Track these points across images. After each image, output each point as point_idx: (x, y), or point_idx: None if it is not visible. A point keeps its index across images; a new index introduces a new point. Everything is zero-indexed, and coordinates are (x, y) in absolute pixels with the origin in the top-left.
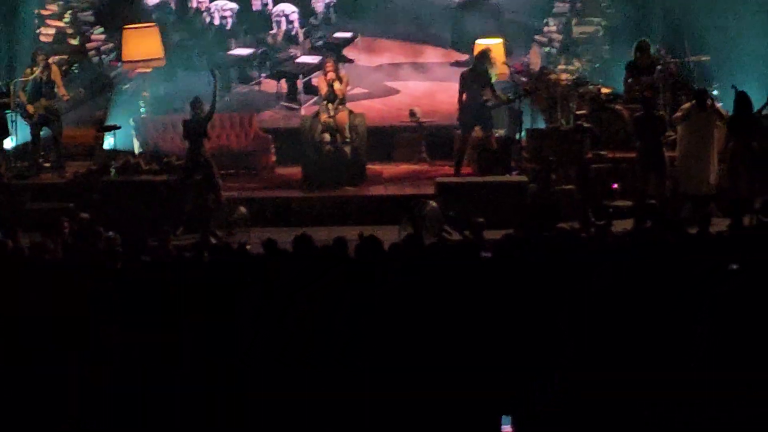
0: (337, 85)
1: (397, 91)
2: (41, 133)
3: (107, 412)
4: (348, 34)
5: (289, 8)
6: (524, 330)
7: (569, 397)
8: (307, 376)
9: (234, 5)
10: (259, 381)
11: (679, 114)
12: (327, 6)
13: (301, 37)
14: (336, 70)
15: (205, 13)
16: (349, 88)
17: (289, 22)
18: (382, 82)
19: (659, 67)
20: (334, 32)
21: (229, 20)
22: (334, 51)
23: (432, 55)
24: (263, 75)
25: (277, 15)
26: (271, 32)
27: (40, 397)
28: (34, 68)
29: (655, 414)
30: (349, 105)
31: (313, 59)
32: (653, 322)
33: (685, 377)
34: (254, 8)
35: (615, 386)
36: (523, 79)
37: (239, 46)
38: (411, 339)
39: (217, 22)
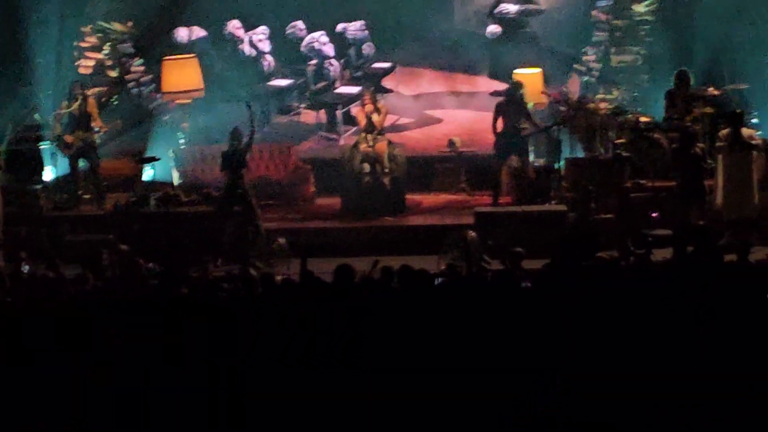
0: (375, 117)
1: (435, 121)
2: (80, 165)
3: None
4: (387, 64)
5: (324, 38)
6: (560, 359)
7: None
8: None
9: (267, 31)
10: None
11: (722, 144)
12: (363, 36)
13: (338, 68)
14: (374, 102)
15: (241, 44)
16: (388, 117)
17: (322, 51)
18: (420, 112)
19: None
20: (372, 62)
21: (266, 50)
22: (373, 81)
23: (470, 84)
24: (302, 105)
25: (310, 43)
26: (310, 62)
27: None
28: (72, 101)
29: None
30: (388, 135)
31: (352, 89)
32: (691, 348)
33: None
34: (288, 35)
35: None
36: (562, 108)
37: (278, 77)
38: (448, 363)
39: (254, 52)
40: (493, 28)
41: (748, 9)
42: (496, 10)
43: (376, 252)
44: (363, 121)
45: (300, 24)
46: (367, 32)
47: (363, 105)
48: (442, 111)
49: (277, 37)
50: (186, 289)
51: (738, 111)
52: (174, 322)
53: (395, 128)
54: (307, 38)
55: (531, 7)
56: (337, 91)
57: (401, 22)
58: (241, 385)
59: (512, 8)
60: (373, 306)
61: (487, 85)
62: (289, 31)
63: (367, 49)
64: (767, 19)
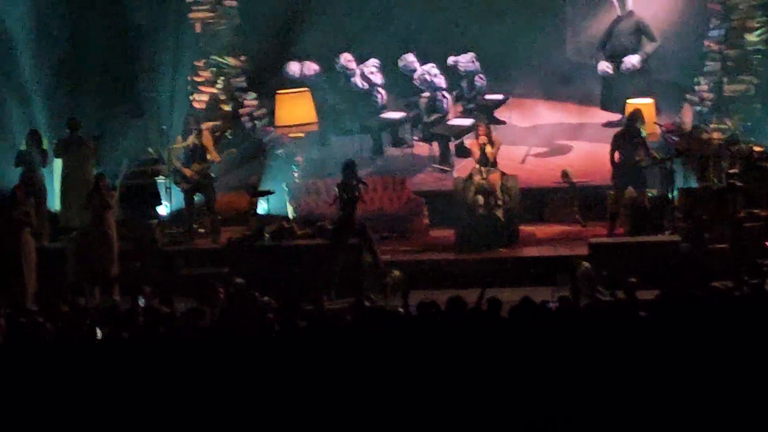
0: (488, 149)
1: (549, 152)
2: (195, 199)
3: None
4: (499, 96)
5: (432, 69)
6: (680, 386)
7: None
8: None
9: (379, 63)
10: None
11: None
12: (474, 68)
13: (451, 100)
14: (488, 134)
15: (354, 77)
16: (503, 149)
17: (434, 83)
18: (534, 143)
19: None
20: (484, 94)
21: (378, 82)
22: (486, 113)
23: (583, 115)
24: (415, 138)
25: (422, 75)
26: (423, 95)
27: None
28: (187, 135)
29: None
30: (501, 166)
31: (464, 121)
32: None
33: None
34: (400, 67)
35: None
36: (675, 138)
37: (390, 110)
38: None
39: (366, 85)
40: (605, 67)
41: None
42: (623, 67)
43: (491, 284)
44: (477, 153)
45: (411, 56)
46: (477, 64)
47: (477, 136)
48: (554, 142)
49: (388, 69)
50: (303, 323)
51: None
52: (291, 355)
53: (509, 159)
54: (419, 70)
55: (650, 49)
56: (450, 123)
57: (512, 54)
58: (356, 413)
59: (635, 60)
60: (483, 337)
61: (599, 116)
62: (401, 63)
63: (479, 80)
64: None
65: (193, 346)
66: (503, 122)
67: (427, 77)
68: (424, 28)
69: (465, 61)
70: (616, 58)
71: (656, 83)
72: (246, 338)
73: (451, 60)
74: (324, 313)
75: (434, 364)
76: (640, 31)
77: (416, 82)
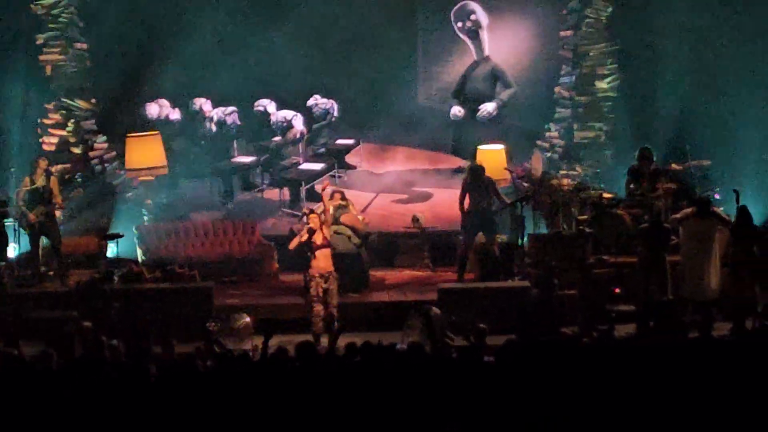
0: (333, 210)
1: (398, 198)
2: (43, 242)
3: None
4: (350, 141)
5: (290, 115)
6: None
7: None
8: None
9: (235, 108)
10: None
11: (677, 216)
12: (328, 113)
13: (303, 144)
14: (342, 198)
15: (208, 121)
16: (354, 209)
17: (291, 128)
18: (383, 188)
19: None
20: (336, 139)
21: (232, 126)
22: (336, 157)
23: (434, 160)
24: (266, 183)
25: (279, 121)
26: (275, 139)
27: None
28: (33, 176)
29: None
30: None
31: (315, 166)
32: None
33: None
34: (255, 112)
35: None
36: (525, 184)
37: (242, 154)
38: None
39: (220, 129)
40: (456, 111)
41: (709, 86)
42: (479, 115)
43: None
44: (329, 211)
45: (265, 101)
46: (332, 109)
47: (331, 196)
48: (405, 187)
49: (243, 113)
50: (154, 367)
51: (704, 198)
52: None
53: (358, 205)
54: (273, 116)
55: (506, 96)
56: (301, 167)
57: (365, 99)
58: None
59: (491, 107)
60: (336, 382)
61: (450, 161)
62: (256, 108)
63: (332, 125)
64: (730, 96)
65: (42, 389)
66: (353, 167)
67: (281, 122)
68: (281, 73)
69: (321, 105)
70: (470, 103)
71: (508, 129)
72: (99, 382)
73: (311, 100)
74: (174, 358)
75: (289, 408)
76: (496, 76)
77: (271, 127)
